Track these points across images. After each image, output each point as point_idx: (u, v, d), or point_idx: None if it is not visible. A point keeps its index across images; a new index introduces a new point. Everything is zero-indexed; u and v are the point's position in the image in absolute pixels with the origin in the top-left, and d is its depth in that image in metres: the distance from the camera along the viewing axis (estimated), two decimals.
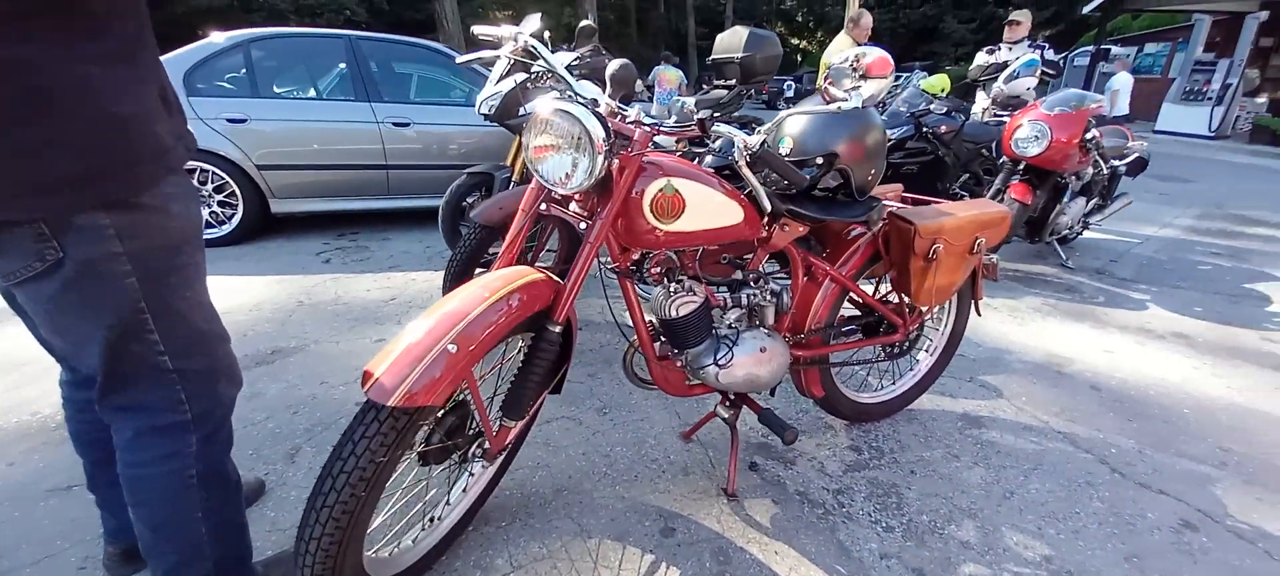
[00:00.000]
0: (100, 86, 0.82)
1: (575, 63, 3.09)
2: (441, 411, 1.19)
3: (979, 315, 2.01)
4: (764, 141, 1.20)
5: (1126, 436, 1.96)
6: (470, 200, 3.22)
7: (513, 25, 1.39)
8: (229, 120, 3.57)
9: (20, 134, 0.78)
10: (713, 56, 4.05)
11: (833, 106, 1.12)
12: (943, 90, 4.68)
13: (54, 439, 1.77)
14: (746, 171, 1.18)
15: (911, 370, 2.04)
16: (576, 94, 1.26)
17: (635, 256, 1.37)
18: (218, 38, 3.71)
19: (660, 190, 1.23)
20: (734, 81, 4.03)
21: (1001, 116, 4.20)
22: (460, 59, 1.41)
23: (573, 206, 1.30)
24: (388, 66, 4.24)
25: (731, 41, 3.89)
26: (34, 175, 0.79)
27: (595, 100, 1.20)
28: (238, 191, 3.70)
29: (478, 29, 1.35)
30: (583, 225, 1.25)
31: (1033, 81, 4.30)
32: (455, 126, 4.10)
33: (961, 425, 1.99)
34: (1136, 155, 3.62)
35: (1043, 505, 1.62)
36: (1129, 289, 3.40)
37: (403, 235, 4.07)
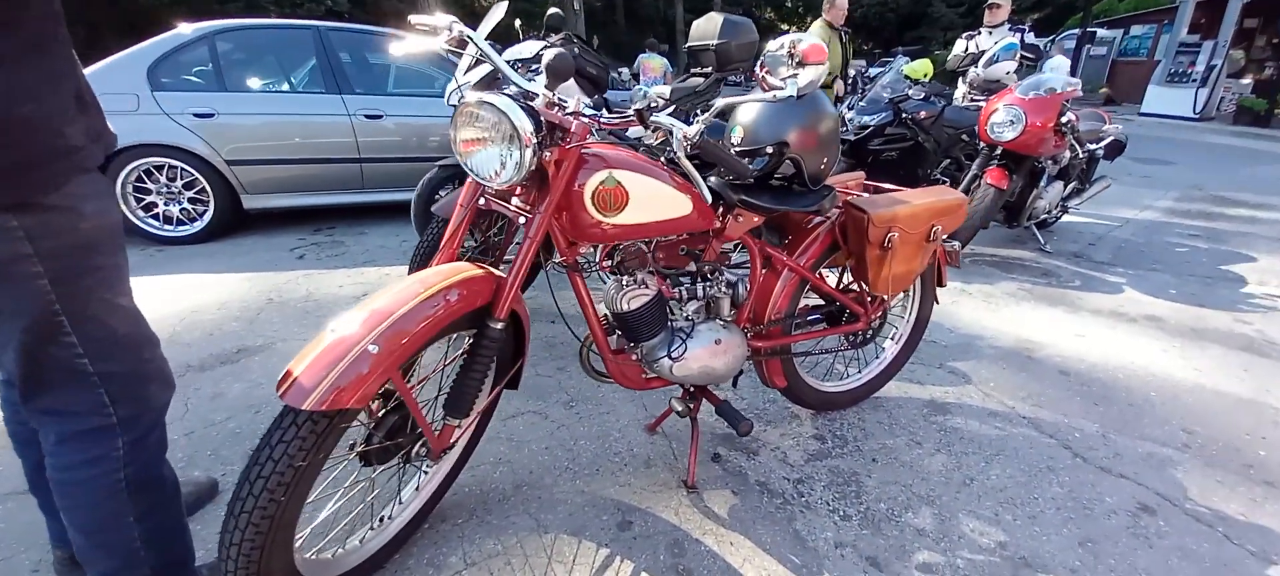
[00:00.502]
0: (2, 88, 0.80)
1: (544, 52, 3.04)
2: (382, 411, 1.18)
3: (936, 302, 2.00)
4: (703, 132, 1.18)
5: (1091, 420, 1.96)
6: (442, 193, 3.18)
7: (448, 14, 1.36)
8: (196, 115, 3.51)
9: None
10: (689, 44, 4.01)
11: (769, 95, 1.10)
12: (925, 76, 4.66)
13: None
14: (685, 162, 1.15)
15: (877, 358, 2.03)
16: (517, 84, 1.23)
17: (583, 250, 1.35)
18: (185, 29, 3.64)
19: (601, 183, 1.21)
20: (710, 69, 4.01)
21: (980, 101, 4.19)
22: (393, 51, 1.37)
23: (515, 201, 1.28)
24: (361, 57, 4.17)
25: (706, 28, 3.83)
26: None
27: (528, 93, 1.17)
28: (208, 188, 3.64)
29: (414, 18, 1.32)
30: (522, 220, 1.22)
31: (1012, 65, 4.29)
32: (433, 118, 4.04)
33: (927, 412, 1.98)
34: (1113, 138, 3.62)
35: (1002, 491, 1.62)
36: (1105, 272, 3.41)
37: (379, 229, 4.03)
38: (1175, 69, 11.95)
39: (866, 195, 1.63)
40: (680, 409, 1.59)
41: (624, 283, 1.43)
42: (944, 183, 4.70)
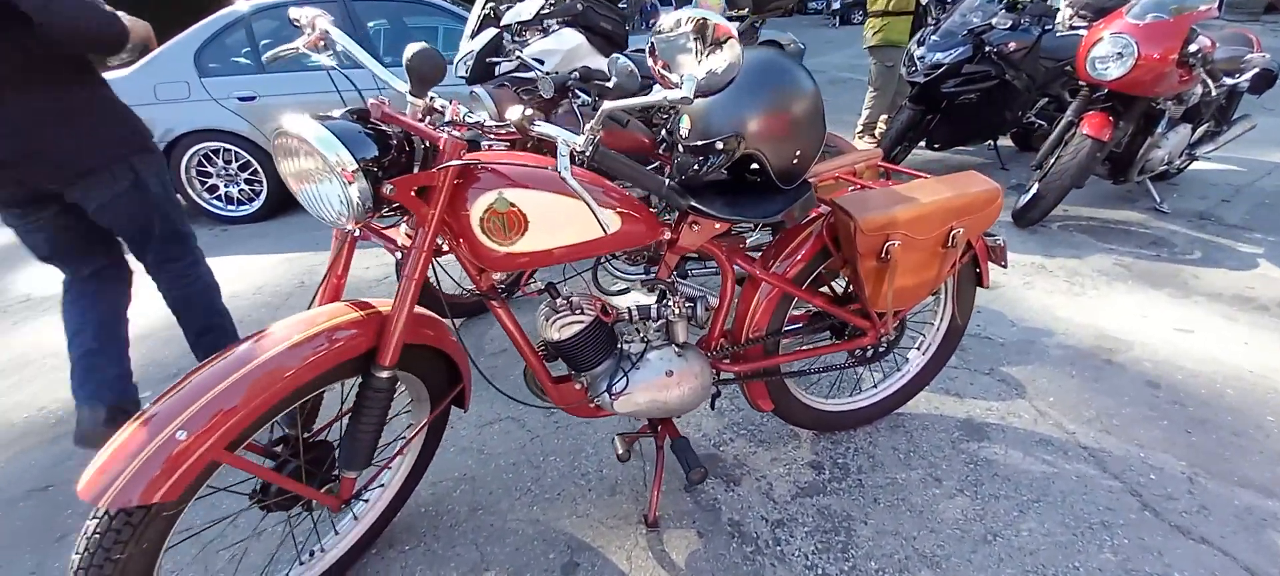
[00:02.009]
0: (116, 98, 1.59)
1: (547, 11, 2.79)
2: (274, 463, 1.11)
3: (968, 316, 1.65)
4: (594, 142, 0.94)
5: (1176, 455, 1.57)
6: None
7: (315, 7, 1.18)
8: (240, 98, 3.63)
9: (100, 126, 1.54)
10: None
11: (660, 98, 0.84)
12: None
13: (47, 437, 1.89)
14: (573, 182, 0.94)
15: (898, 371, 1.73)
16: (395, 88, 1.05)
17: (498, 277, 1.18)
18: (241, 5, 3.71)
19: (491, 206, 1.02)
20: (746, 11, 3.58)
21: (1082, 28, 3.45)
22: (266, 56, 1.23)
23: (404, 229, 1.12)
24: (398, 24, 4.11)
25: None
26: (108, 143, 1.54)
27: (359, 112, 0.99)
28: (260, 169, 3.80)
29: (293, 12, 1.16)
30: (398, 255, 1.07)
31: None
32: (459, 85, 3.94)
33: (958, 436, 1.67)
34: (1262, 67, 2.84)
35: (1031, 554, 1.32)
36: (1237, 238, 2.75)
37: None
38: None
39: (861, 192, 1.32)
40: (621, 450, 1.42)
41: (556, 307, 1.25)
42: (1041, 128, 4.01)
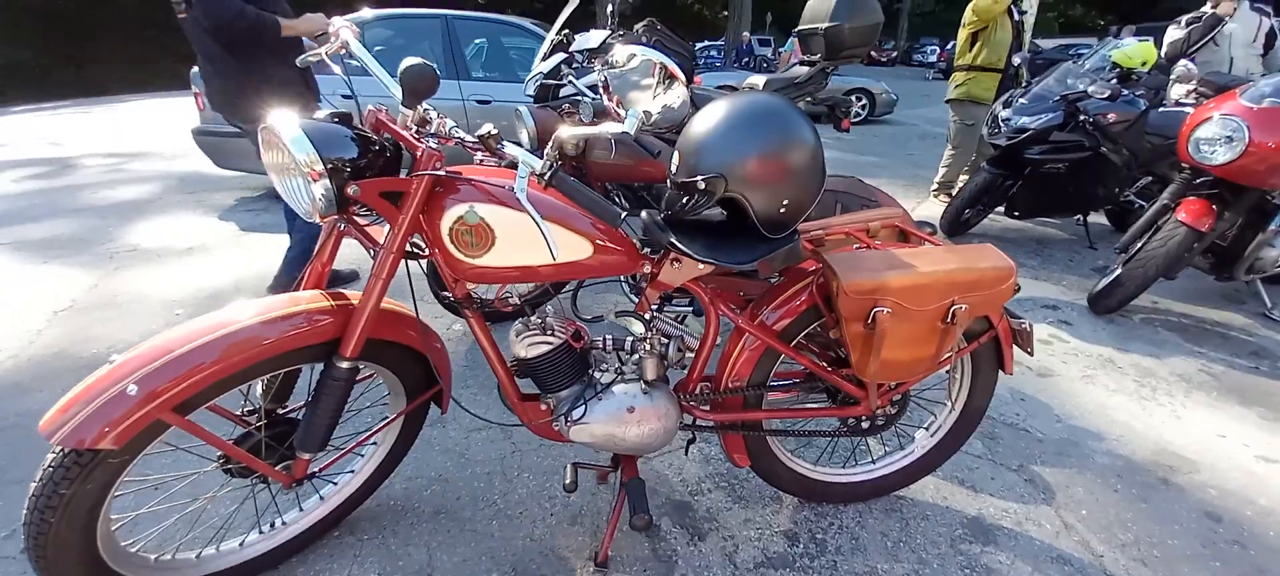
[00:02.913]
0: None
1: (613, 40, 2.86)
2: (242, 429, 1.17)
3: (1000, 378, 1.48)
4: (553, 167, 0.94)
5: None
6: None
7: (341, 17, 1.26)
8: (343, 96, 3.97)
9: (281, 92, 2.19)
10: (798, 27, 3.52)
11: (604, 130, 0.82)
12: (1145, 64, 3.60)
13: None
14: (526, 203, 0.93)
15: (902, 450, 1.59)
16: (392, 92, 1.10)
17: (479, 288, 1.20)
18: (367, 13, 4.08)
19: (460, 217, 1.04)
20: (818, 56, 3.49)
21: (1187, 106, 3.10)
22: (299, 60, 1.31)
23: (387, 230, 1.16)
24: (495, 43, 4.38)
25: (819, 7, 3.33)
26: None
27: (344, 115, 1.04)
28: None
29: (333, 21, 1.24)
30: (373, 251, 1.11)
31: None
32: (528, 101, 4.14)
33: (961, 533, 1.51)
34: None
35: None
36: None
37: None
38: None
39: (856, 252, 1.22)
40: (568, 480, 1.38)
41: (529, 325, 1.26)
42: (1140, 208, 3.62)
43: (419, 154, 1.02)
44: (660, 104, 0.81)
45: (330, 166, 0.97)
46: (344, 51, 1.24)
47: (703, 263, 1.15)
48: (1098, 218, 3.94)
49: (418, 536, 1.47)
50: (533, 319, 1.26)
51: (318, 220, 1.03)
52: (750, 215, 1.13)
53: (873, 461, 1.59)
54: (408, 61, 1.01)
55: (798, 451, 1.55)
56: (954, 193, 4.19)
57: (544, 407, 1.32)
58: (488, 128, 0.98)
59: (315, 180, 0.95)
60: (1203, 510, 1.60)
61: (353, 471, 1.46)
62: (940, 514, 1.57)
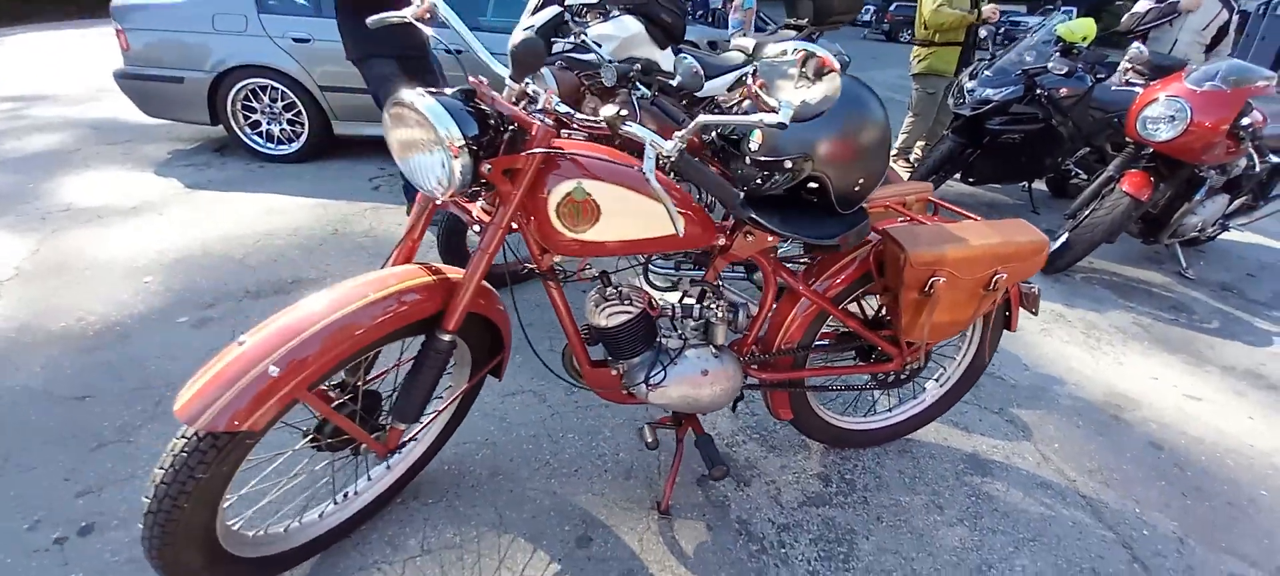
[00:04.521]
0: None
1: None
2: (336, 404, 1.18)
3: (990, 354, 1.69)
4: (681, 149, 1.00)
5: (1170, 516, 1.63)
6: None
7: None
8: (294, 39, 3.67)
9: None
10: None
11: (756, 120, 0.89)
12: (1085, 39, 3.89)
13: (86, 347, 1.97)
14: (656, 185, 0.99)
15: (914, 399, 1.79)
16: (495, 70, 1.11)
17: (558, 258, 1.24)
18: None
19: (568, 194, 1.08)
20: (805, 21, 3.58)
21: (1136, 86, 3.43)
22: (371, 20, 1.26)
23: (480, 203, 1.18)
24: None
25: None
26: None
27: (468, 91, 1.04)
28: (304, 111, 3.85)
29: None
30: (476, 228, 1.13)
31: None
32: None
33: (963, 468, 1.74)
34: None
35: None
36: (1258, 314, 2.78)
37: None
38: None
39: (913, 225, 1.36)
40: (650, 439, 1.48)
41: (606, 295, 1.32)
42: (1078, 177, 4.00)
43: (534, 130, 1.04)
44: (804, 96, 0.87)
45: (466, 144, 0.97)
46: (427, 17, 1.21)
47: (784, 236, 1.24)
48: (1040, 185, 4.31)
49: (481, 497, 1.53)
50: (609, 290, 1.33)
51: (442, 198, 1.03)
52: (830, 192, 1.23)
53: (889, 410, 1.79)
54: (520, 35, 1.02)
55: (828, 404, 1.71)
56: (911, 159, 4.46)
57: (614, 373, 1.40)
58: (614, 109, 1.01)
59: (455, 156, 0.95)
60: (1147, 441, 1.91)
61: (417, 441, 1.49)
62: (944, 452, 1.79)
